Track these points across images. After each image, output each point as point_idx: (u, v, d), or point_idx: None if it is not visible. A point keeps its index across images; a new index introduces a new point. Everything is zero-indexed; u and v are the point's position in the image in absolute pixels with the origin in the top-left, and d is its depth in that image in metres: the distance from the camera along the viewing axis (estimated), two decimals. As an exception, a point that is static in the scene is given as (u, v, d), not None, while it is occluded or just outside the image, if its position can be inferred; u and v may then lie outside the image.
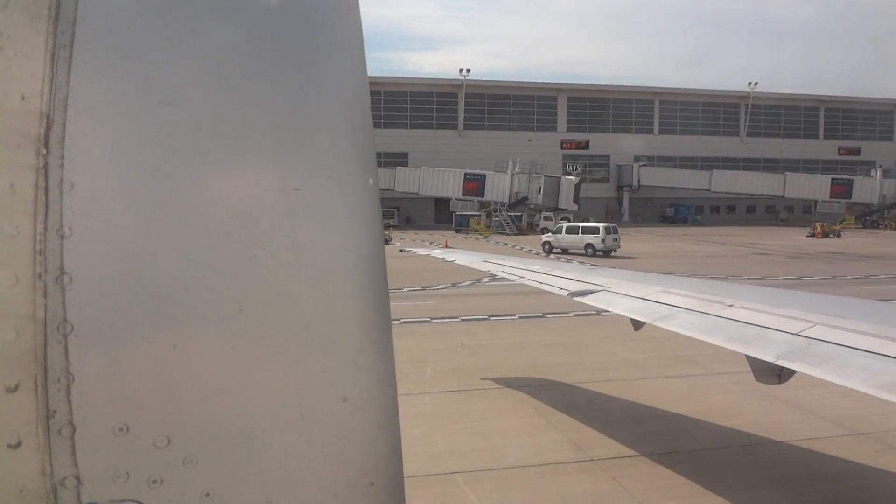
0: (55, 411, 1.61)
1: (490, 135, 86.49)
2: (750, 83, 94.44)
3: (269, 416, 1.84)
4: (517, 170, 73.58)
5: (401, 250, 20.40)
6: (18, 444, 1.59)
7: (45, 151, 1.57)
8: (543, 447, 10.98)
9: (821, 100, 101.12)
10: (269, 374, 1.83)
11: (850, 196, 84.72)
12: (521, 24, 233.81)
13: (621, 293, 9.93)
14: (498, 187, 73.13)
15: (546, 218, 66.85)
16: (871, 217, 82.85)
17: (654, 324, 8.42)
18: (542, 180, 72.99)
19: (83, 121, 1.61)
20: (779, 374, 7.00)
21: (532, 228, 67.51)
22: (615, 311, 9.60)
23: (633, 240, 56.41)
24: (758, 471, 10.22)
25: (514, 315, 22.40)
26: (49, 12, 1.59)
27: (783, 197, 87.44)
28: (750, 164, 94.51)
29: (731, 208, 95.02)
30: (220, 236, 1.76)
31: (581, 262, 36.58)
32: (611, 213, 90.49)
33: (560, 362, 16.48)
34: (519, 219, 67.62)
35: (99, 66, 1.64)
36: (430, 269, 31.37)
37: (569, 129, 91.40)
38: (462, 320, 21.73)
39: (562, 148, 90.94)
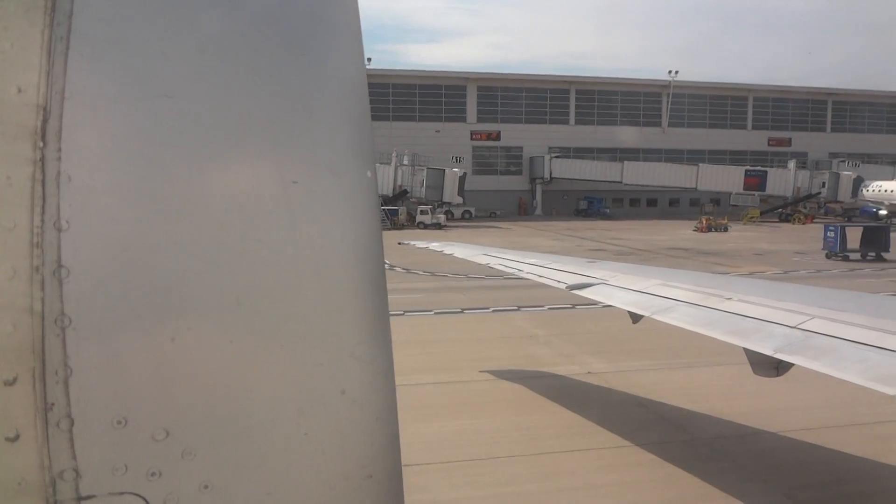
0: (53, 404, 1.62)
1: (396, 126, 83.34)
2: (670, 72, 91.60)
3: (268, 409, 1.85)
4: (405, 162, 70.73)
5: (399, 243, 20.37)
6: (17, 437, 1.60)
7: (41, 144, 1.58)
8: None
9: (749, 89, 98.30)
10: (267, 367, 1.84)
11: (763, 188, 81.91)
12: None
13: (619, 286, 9.92)
14: (381, 180, 70.19)
15: (422, 212, 64.08)
16: (784, 210, 79.92)
17: (653, 317, 8.42)
18: (424, 173, 70.10)
19: (80, 113, 1.62)
20: (776, 367, 7.04)
21: (412, 222, 64.65)
22: (613, 303, 9.54)
23: (484, 234, 53.71)
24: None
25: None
26: (45, 4, 1.60)
27: (696, 189, 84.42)
28: (672, 156, 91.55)
29: (653, 201, 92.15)
30: (218, 229, 1.77)
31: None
32: (523, 207, 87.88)
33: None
34: (395, 213, 64.63)
35: (96, 57, 1.65)
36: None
37: (479, 120, 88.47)
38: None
39: (472, 139, 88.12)
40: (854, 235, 40.04)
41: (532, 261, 13.30)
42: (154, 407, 1.71)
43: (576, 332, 19.54)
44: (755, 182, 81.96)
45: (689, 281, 9.71)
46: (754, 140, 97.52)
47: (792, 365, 6.55)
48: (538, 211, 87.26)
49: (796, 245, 48.22)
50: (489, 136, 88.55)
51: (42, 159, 1.58)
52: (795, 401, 12.41)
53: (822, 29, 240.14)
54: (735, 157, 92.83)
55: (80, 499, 1.67)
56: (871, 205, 72.26)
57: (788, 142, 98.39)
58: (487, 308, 23.34)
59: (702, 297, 8.40)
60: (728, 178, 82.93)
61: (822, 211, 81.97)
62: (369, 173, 1.96)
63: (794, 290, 10.26)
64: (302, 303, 1.86)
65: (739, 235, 57.84)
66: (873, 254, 39.35)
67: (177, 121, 1.72)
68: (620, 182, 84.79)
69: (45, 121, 1.58)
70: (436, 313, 22.65)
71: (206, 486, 1.77)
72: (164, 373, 1.72)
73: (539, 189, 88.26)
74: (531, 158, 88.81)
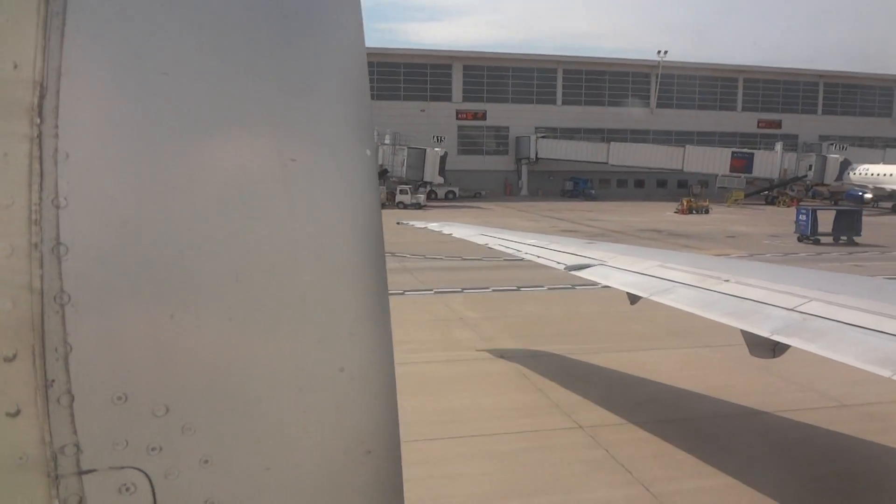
0: (53, 380, 1.63)
1: (380, 105, 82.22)
2: (659, 52, 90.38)
3: (267, 386, 1.86)
4: (386, 141, 69.99)
5: (398, 223, 19.98)
6: (17, 413, 1.62)
7: (38, 121, 1.58)
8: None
9: (739, 70, 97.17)
10: (265, 344, 1.85)
11: (750, 170, 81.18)
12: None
13: (618, 267, 10.00)
14: (361, 159, 69.41)
15: (402, 192, 63.50)
16: (770, 193, 79.30)
17: (651, 298, 8.49)
18: (405, 152, 69.39)
19: (77, 89, 1.61)
20: (773, 349, 7.08)
21: (391, 202, 64.07)
22: (611, 284, 9.67)
23: (462, 214, 53.20)
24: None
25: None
26: None
27: (682, 171, 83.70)
28: (661, 137, 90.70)
29: (640, 183, 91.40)
30: (217, 206, 1.77)
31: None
32: (509, 187, 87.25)
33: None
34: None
35: (93, 33, 1.63)
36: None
37: (465, 100, 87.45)
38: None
39: (457, 119, 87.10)
40: (827, 219, 39.60)
41: (531, 241, 13.36)
42: (154, 383, 1.72)
43: (509, 314, 19.26)
44: (742, 164, 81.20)
45: (688, 263, 9.78)
46: (744, 122, 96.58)
47: (788, 347, 6.61)
48: (524, 191, 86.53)
49: (773, 228, 47.78)
50: (475, 116, 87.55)
51: (39, 136, 1.58)
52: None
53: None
54: (724, 139, 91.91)
55: (81, 473, 1.68)
56: (856, 188, 71.70)
57: (779, 124, 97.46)
58: (430, 290, 22.94)
59: (700, 279, 8.44)
60: (714, 160, 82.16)
61: (810, 194, 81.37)
62: (368, 151, 1.95)
63: (792, 272, 10.28)
64: (301, 280, 1.86)
65: (719, 218, 57.36)
66: (845, 237, 38.94)
67: (174, 98, 1.71)
68: (607, 163, 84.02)
69: (41, 97, 1.57)
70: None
71: (206, 461, 1.79)
72: (164, 349, 1.72)
73: (525, 169, 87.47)
74: (517, 138, 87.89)
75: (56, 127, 1.58)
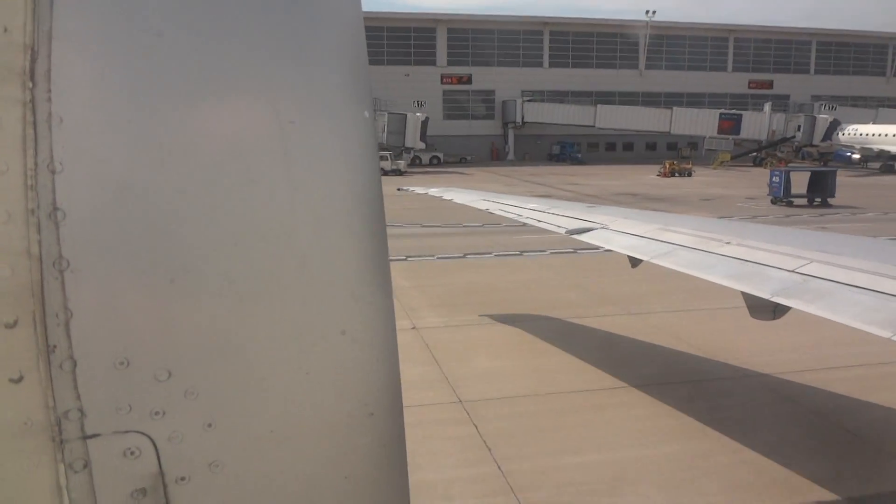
0: (55, 346, 1.64)
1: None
2: (648, 12, 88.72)
3: (268, 349, 1.86)
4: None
5: (398, 189, 19.75)
6: (20, 379, 1.64)
7: (31, 85, 1.56)
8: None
9: (730, 29, 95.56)
10: (266, 308, 1.84)
11: (738, 132, 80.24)
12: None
13: (619, 231, 9.90)
14: (342, 125, 68.58)
15: (382, 158, 62.79)
16: (759, 154, 78.41)
17: (652, 261, 8.43)
18: (386, 118, 68.48)
19: (69, 53, 1.59)
20: (773, 310, 7.16)
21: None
22: (613, 248, 9.53)
23: (442, 180, 52.54)
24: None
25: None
26: None
27: (670, 133, 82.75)
28: (650, 99, 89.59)
29: (629, 146, 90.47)
30: (214, 170, 1.75)
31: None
32: (495, 152, 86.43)
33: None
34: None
35: None
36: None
37: (449, 63, 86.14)
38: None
39: (442, 83, 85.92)
40: (802, 180, 39.05)
41: (532, 206, 13.10)
42: (155, 348, 1.72)
43: (441, 284, 19.00)
44: (730, 125, 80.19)
45: (689, 225, 9.70)
46: (734, 82, 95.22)
47: (789, 308, 6.63)
48: (511, 156, 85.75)
49: (752, 190, 47.21)
50: (460, 80, 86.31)
51: (32, 100, 1.56)
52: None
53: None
54: (714, 100, 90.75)
55: (85, 437, 1.70)
56: (844, 149, 70.86)
57: (770, 84, 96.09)
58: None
59: (701, 242, 8.40)
60: (702, 122, 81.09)
61: (800, 155, 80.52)
62: (366, 113, 1.92)
63: (793, 234, 10.21)
64: (300, 243, 1.84)
65: (700, 181, 56.78)
66: (819, 199, 38.45)
67: (168, 60, 1.67)
68: (594, 126, 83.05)
69: (33, 61, 1.55)
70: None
71: (209, 425, 1.80)
72: (165, 314, 1.72)
73: (512, 134, 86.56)
74: (503, 102, 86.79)
75: (49, 91, 1.56)
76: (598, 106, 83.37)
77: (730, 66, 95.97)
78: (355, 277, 1.92)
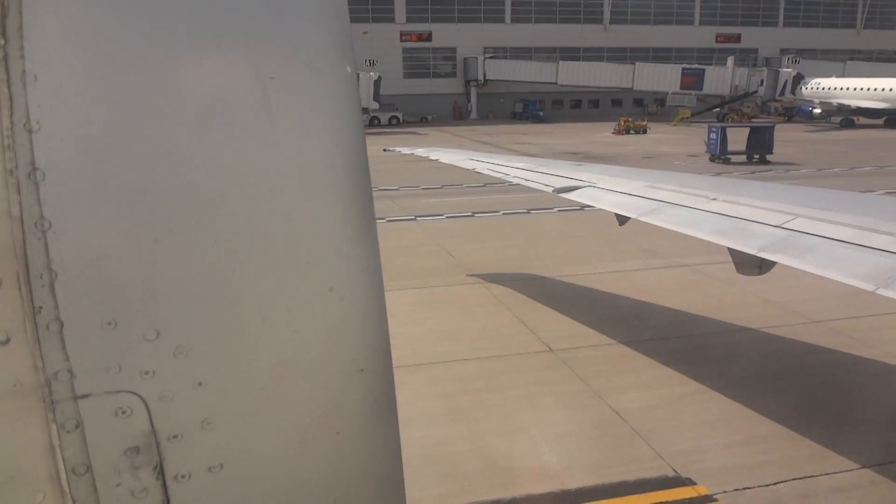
0: (41, 307, 1.63)
1: (320, 28, 78.88)
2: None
3: (256, 307, 1.85)
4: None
5: (384, 150, 19.44)
6: (7, 341, 1.63)
7: (2, 41, 1.51)
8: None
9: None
10: (253, 266, 1.83)
11: (701, 87, 79.10)
12: None
13: (606, 188, 9.91)
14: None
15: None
16: (721, 110, 77.45)
17: (639, 218, 8.46)
18: (337, 78, 66.75)
19: (41, 7, 1.54)
20: (759, 266, 7.24)
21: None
22: (600, 206, 9.57)
23: (394, 141, 51.50)
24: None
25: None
26: None
27: (632, 89, 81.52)
28: (615, 55, 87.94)
29: (595, 103, 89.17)
30: (195, 127, 1.72)
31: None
32: (458, 111, 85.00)
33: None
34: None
35: None
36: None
37: (409, 20, 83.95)
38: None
39: (401, 41, 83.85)
40: (741, 137, 38.35)
41: (520, 165, 13.04)
42: (143, 308, 1.71)
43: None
44: (692, 81, 78.94)
45: (676, 182, 9.74)
46: (701, 36, 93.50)
47: (774, 263, 6.70)
48: (473, 115, 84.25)
49: (698, 148, 46.44)
50: (420, 38, 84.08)
51: (5, 57, 1.50)
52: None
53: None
54: (681, 55, 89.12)
55: (76, 398, 1.70)
56: (805, 103, 70.05)
57: (738, 38, 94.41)
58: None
59: (688, 198, 8.41)
60: (665, 77, 79.81)
61: (765, 110, 79.66)
62: (349, 68, 1.88)
63: (780, 189, 10.29)
64: (284, 200, 1.82)
65: (652, 138, 55.92)
66: (758, 156, 37.83)
67: (146, 15, 1.62)
68: (556, 83, 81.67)
69: (3, 16, 1.50)
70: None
71: (200, 384, 1.81)
72: (150, 274, 1.70)
73: (474, 92, 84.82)
74: (465, 60, 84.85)
75: (22, 48, 1.50)
76: (560, 62, 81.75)
77: (697, 19, 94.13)
78: (341, 233, 1.90)
